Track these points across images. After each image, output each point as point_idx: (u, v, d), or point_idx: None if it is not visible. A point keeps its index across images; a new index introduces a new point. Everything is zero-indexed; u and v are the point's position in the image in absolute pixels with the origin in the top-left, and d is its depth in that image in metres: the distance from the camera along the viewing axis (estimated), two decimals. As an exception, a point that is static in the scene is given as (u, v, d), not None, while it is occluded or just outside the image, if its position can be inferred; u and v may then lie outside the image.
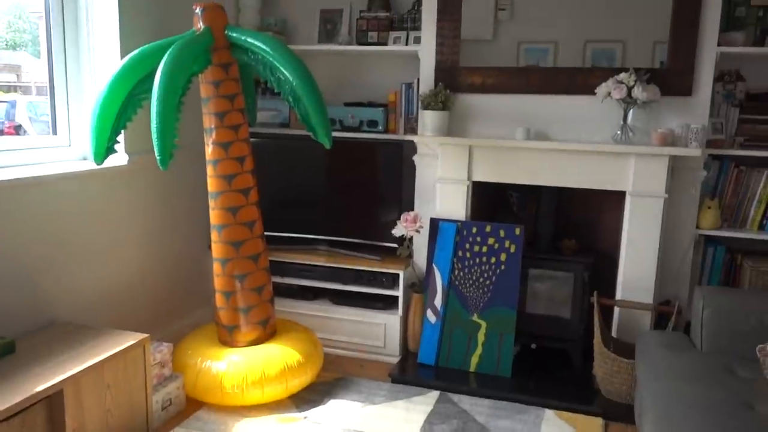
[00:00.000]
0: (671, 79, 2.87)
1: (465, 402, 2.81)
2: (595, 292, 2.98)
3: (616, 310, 3.01)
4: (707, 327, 2.37)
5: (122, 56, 2.77)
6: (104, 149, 2.56)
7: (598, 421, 2.67)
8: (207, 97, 2.69)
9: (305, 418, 2.66)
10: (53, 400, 2.05)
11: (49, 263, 2.53)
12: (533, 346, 3.30)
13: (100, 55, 2.79)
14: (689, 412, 1.84)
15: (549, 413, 2.73)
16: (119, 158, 2.81)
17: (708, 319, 2.37)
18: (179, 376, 2.69)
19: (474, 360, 3.07)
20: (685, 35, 2.84)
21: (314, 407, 2.74)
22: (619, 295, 3.00)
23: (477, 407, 2.77)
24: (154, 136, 2.34)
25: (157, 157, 2.35)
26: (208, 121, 2.70)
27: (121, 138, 2.73)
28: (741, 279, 3.03)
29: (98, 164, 2.59)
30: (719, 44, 2.83)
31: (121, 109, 2.54)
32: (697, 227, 3.00)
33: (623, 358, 2.74)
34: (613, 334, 3.01)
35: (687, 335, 2.51)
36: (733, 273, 3.07)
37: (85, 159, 2.82)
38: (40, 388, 1.98)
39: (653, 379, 2.13)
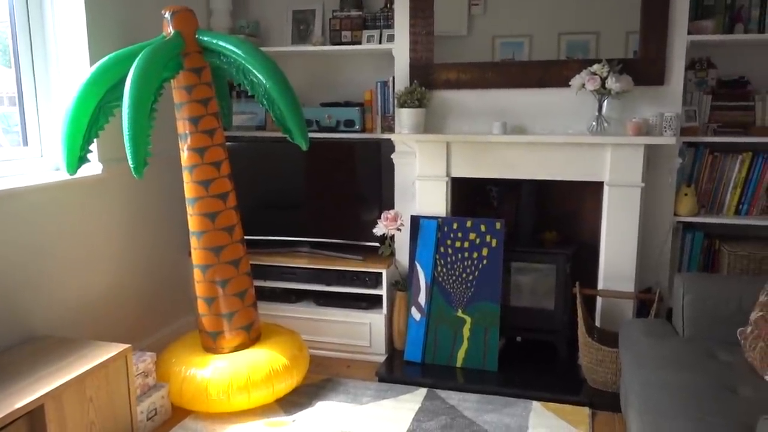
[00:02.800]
0: (644, 68, 2.90)
1: (453, 398, 2.82)
2: (577, 283, 3.00)
3: (599, 299, 3.03)
4: (688, 313, 2.39)
5: (91, 64, 2.73)
6: (77, 159, 2.52)
7: (585, 411, 2.69)
8: (180, 102, 2.66)
9: (293, 421, 2.64)
10: (34, 415, 2.01)
11: (26, 276, 2.48)
12: (518, 338, 3.32)
13: (69, 63, 2.74)
14: (674, 398, 1.86)
15: (536, 405, 2.74)
16: (93, 167, 2.77)
17: (689, 305, 2.39)
18: (164, 385, 2.65)
19: (460, 355, 3.07)
20: (656, 24, 2.87)
21: (302, 410, 2.73)
22: (601, 285, 3.02)
23: (465, 402, 2.77)
24: (126, 144, 2.31)
25: (131, 165, 2.33)
26: (183, 127, 2.67)
27: (94, 147, 2.69)
28: (720, 263, 3.06)
29: (71, 174, 2.56)
30: (689, 32, 2.86)
31: (92, 117, 2.50)
32: (675, 214, 3.03)
33: (607, 347, 2.77)
34: (597, 323, 3.03)
35: (669, 322, 2.53)
36: (712, 258, 3.11)
37: (58, 170, 2.77)
38: (20, 404, 1.94)
39: (637, 366, 2.15)
